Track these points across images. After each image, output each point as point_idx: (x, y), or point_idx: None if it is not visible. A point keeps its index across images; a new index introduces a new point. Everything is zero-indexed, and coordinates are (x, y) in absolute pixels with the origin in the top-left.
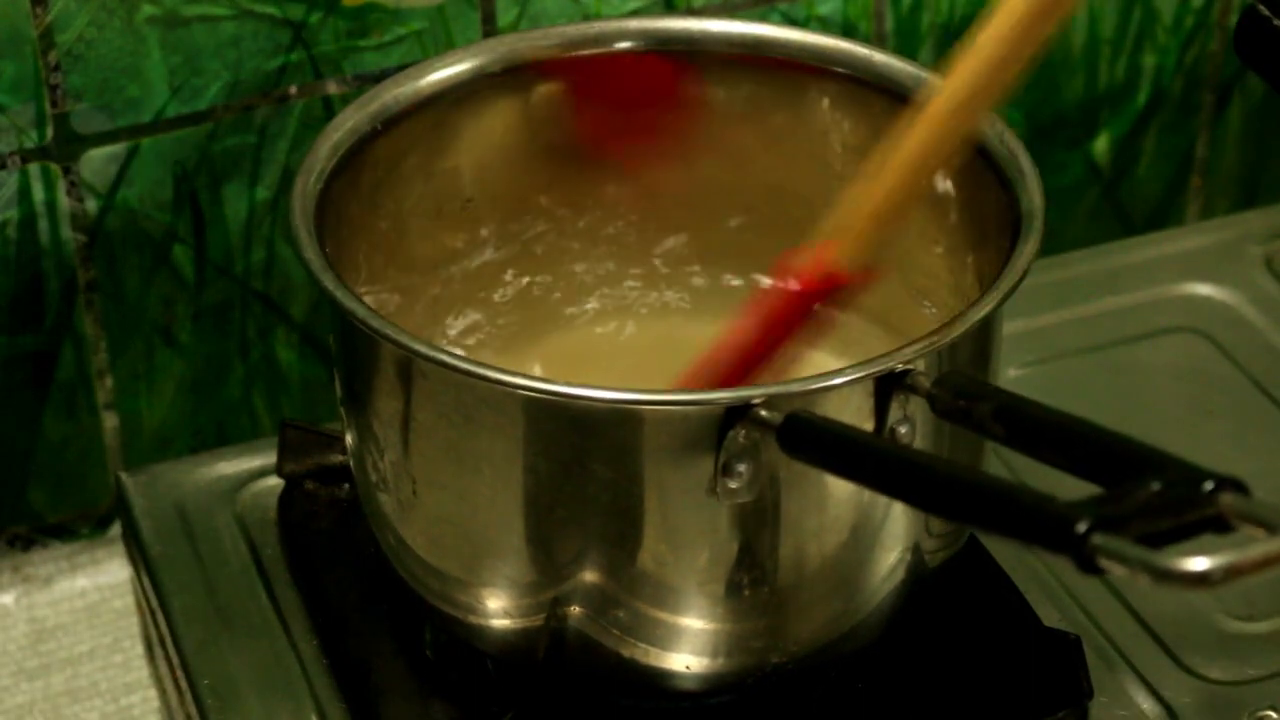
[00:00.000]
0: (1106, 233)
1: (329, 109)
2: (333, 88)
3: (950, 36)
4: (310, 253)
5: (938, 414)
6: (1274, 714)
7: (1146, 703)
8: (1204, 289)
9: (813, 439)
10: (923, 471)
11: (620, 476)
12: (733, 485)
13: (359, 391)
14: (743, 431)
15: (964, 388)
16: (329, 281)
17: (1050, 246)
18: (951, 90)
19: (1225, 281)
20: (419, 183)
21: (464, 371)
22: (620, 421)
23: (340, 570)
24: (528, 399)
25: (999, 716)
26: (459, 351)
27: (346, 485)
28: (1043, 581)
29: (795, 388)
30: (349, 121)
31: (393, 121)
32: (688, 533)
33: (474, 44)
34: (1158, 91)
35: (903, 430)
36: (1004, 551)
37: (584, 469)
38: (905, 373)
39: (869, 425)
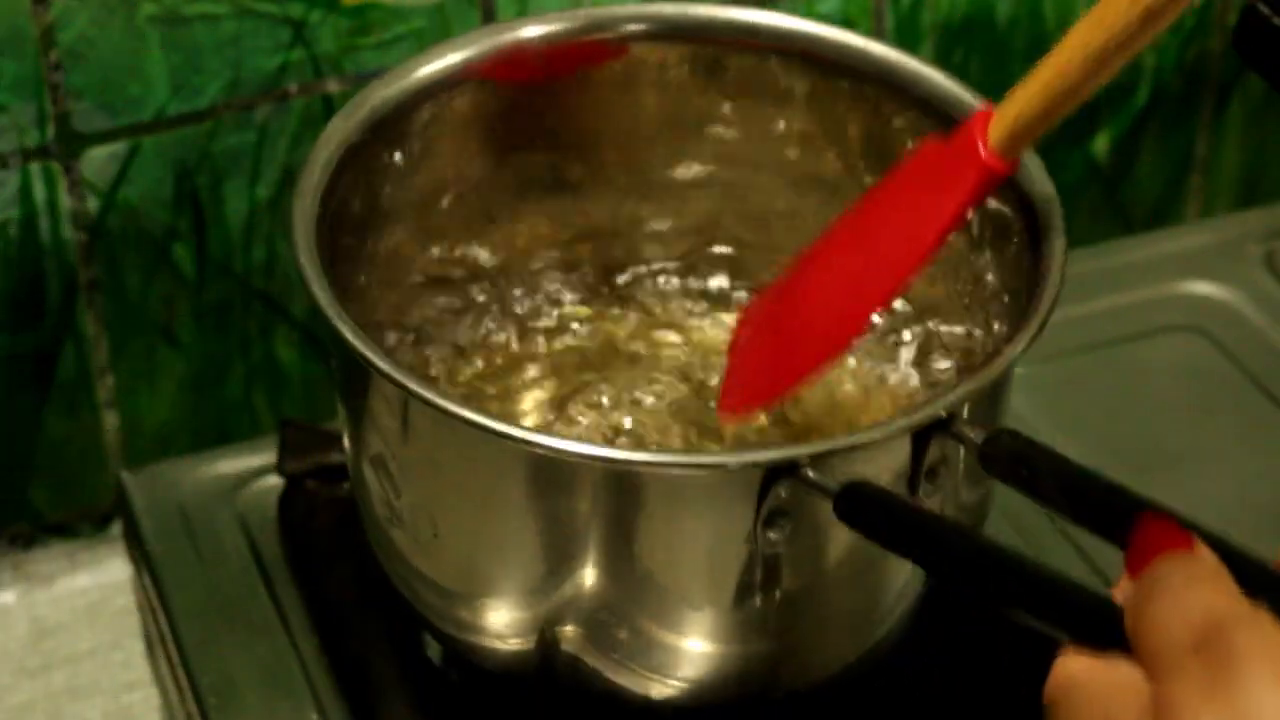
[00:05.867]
0: (1106, 231)
1: (329, 107)
2: (333, 86)
3: (950, 35)
4: (325, 301)
5: (990, 473)
6: None
7: None
8: (1204, 288)
9: (873, 512)
10: (991, 564)
11: (654, 531)
12: (774, 536)
13: (378, 441)
14: (786, 486)
15: (1022, 453)
16: (348, 330)
17: None
18: None
19: (1225, 280)
20: (420, 186)
21: (487, 429)
22: (654, 482)
23: (340, 570)
24: (557, 460)
25: (999, 716)
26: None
27: (347, 484)
28: None
29: (840, 444)
30: (337, 135)
31: (382, 127)
32: (719, 578)
33: (461, 36)
34: (1158, 90)
35: (942, 471)
36: None
37: (617, 525)
38: (949, 419)
39: (906, 471)
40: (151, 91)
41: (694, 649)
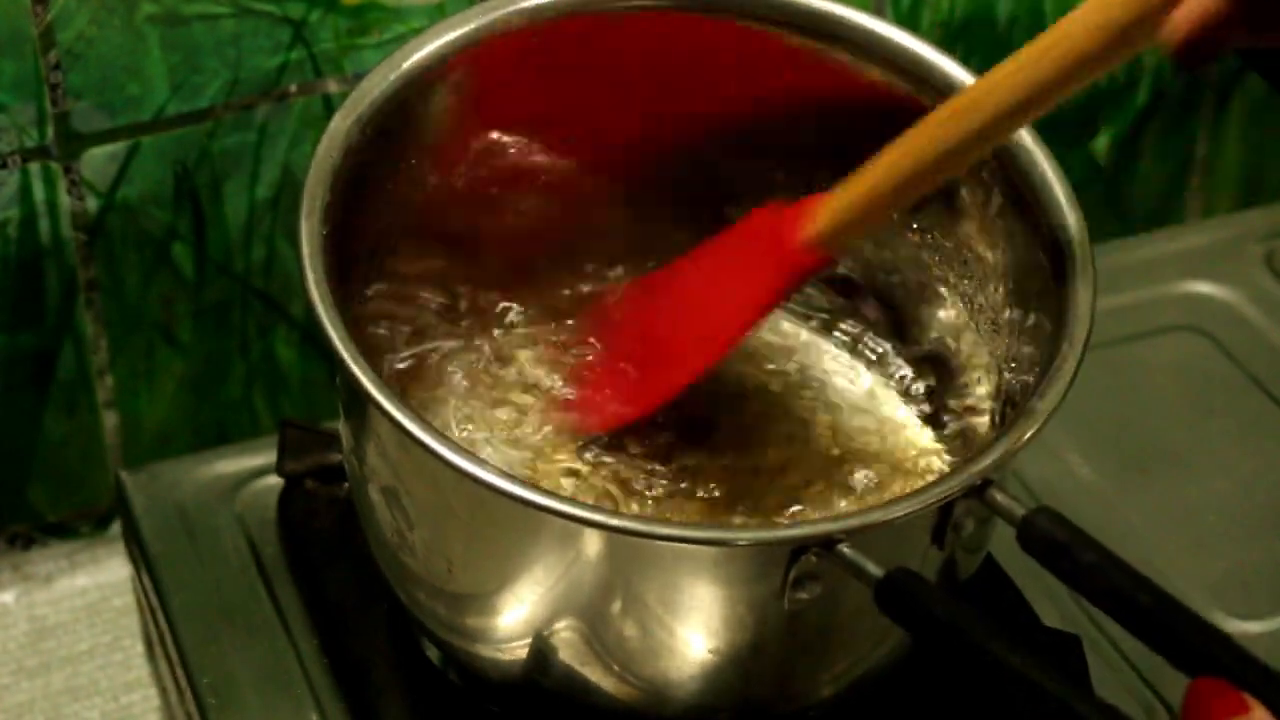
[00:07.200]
0: (1107, 231)
1: (329, 107)
2: (333, 86)
3: (950, 34)
4: (345, 352)
5: (1028, 553)
6: None
7: (1146, 703)
8: (1204, 287)
9: (916, 610)
10: (1028, 687)
11: (679, 594)
12: (803, 596)
13: (389, 474)
14: (815, 555)
15: (1063, 545)
16: (378, 393)
17: None
18: (975, 98)
19: (1225, 280)
20: (428, 179)
21: (518, 499)
22: (682, 553)
23: (340, 570)
24: (588, 532)
25: (998, 716)
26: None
27: (346, 485)
28: (1043, 581)
29: (875, 519)
30: (339, 138)
31: (380, 118)
32: (739, 634)
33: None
34: (1158, 90)
35: (968, 524)
36: (1005, 551)
37: (642, 587)
38: (984, 484)
39: (932, 527)
40: (151, 91)
41: (700, 684)
